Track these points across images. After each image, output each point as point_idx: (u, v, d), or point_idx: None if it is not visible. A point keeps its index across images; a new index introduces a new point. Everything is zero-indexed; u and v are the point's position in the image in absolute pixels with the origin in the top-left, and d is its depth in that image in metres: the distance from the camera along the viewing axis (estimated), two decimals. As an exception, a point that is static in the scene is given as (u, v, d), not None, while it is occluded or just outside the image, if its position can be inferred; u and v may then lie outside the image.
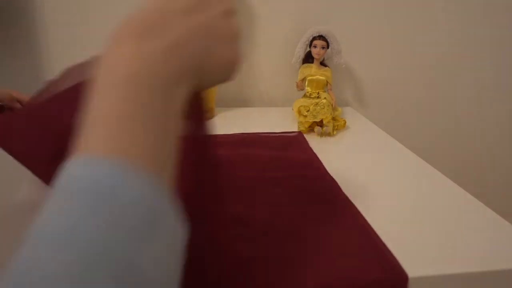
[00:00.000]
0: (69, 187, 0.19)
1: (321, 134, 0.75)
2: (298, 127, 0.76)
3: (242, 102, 0.93)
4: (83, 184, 0.19)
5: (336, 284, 0.36)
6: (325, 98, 0.75)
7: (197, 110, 0.30)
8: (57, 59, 0.83)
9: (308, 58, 0.82)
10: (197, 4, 0.26)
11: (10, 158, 0.53)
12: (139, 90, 0.22)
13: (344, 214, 0.47)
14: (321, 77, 0.79)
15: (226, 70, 0.29)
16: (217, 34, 0.27)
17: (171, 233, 0.21)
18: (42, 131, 0.40)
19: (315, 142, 0.72)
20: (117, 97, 0.21)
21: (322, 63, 0.82)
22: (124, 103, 0.21)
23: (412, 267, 0.39)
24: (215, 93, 0.84)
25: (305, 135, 0.74)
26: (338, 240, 0.42)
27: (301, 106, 0.75)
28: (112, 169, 0.19)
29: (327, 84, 0.80)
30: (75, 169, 0.20)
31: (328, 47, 0.79)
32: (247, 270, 0.38)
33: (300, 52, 0.82)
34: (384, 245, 0.41)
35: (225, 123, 0.79)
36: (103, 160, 0.19)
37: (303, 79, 0.80)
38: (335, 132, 0.76)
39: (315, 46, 0.79)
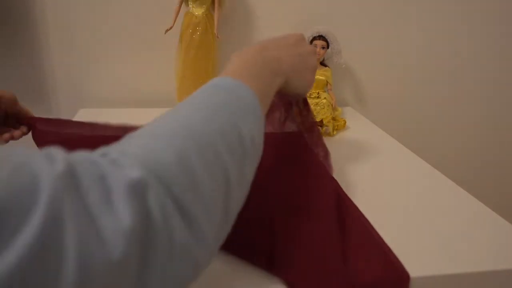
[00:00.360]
0: (212, 84, 0.35)
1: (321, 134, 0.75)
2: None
3: (242, 102, 0.93)
4: (219, 84, 0.35)
5: (338, 282, 0.36)
6: (325, 98, 0.75)
7: (307, 110, 0.52)
8: (57, 59, 0.83)
9: (308, 58, 0.82)
10: (298, 43, 0.46)
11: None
12: (258, 65, 0.39)
13: (345, 213, 0.47)
14: (321, 77, 0.79)
15: (303, 87, 0.47)
16: (304, 62, 0.45)
17: (260, 136, 0.35)
18: None
19: (315, 142, 0.72)
20: (246, 62, 0.38)
21: (322, 63, 0.82)
22: (249, 65, 0.38)
23: (412, 267, 0.39)
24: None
25: (305, 135, 0.74)
26: (339, 238, 0.42)
27: (301, 106, 0.75)
28: (239, 83, 0.35)
29: (327, 84, 0.80)
30: (218, 79, 0.36)
31: (328, 47, 0.79)
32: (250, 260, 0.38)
33: (300, 52, 0.82)
34: (385, 244, 0.41)
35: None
36: (235, 80, 0.35)
37: (303, 79, 0.80)
38: (335, 132, 0.76)
39: (315, 46, 0.79)
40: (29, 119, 0.56)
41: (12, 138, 0.56)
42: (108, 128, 0.59)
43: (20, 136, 0.56)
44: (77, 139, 0.56)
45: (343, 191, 0.52)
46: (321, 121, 0.74)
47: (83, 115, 0.80)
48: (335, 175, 0.57)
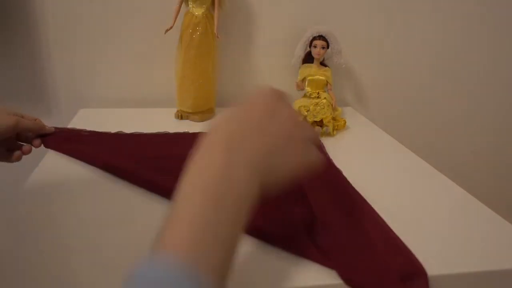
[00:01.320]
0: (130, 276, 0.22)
1: (321, 134, 0.75)
2: (298, 127, 0.76)
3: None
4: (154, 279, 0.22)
5: (356, 279, 0.36)
6: (325, 98, 0.75)
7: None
8: (57, 59, 0.83)
9: (308, 58, 0.82)
10: (269, 112, 0.32)
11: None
12: (221, 199, 0.26)
13: (359, 209, 0.47)
14: (321, 77, 0.79)
15: (296, 172, 0.32)
16: (287, 140, 0.32)
17: None
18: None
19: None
20: (201, 203, 0.25)
21: (322, 63, 0.82)
22: (206, 210, 0.25)
23: (412, 267, 0.39)
24: (215, 93, 0.84)
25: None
26: (356, 234, 0.42)
27: (301, 106, 0.75)
28: (182, 276, 0.22)
29: (327, 84, 0.80)
30: (155, 266, 0.22)
31: (328, 47, 0.79)
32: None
33: (300, 52, 0.82)
34: (402, 242, 0.41)
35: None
36: (178, 266, 0.22)
37: (303, 79, 0.80)
38: (335, 132, 0.76)
39: (315, 46, 0.79)
40: (41, 133, 0.59)
41: (23, 153, 0.57)
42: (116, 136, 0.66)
43: (30, 151, 0.57)
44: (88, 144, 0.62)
45: (354, 188, 0.53)
46: (321, 121, 0.74)
47: (83, 115, 0.80)
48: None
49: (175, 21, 0.76)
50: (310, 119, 0.74)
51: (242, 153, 0.29)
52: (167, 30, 0.75)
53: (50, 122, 0.88)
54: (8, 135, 0.53)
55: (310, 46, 0.80)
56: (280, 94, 0.34)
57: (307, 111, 0.74)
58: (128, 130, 0.69)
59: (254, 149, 0.29)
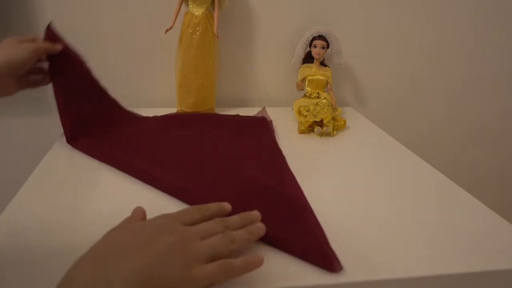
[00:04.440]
0: None
1: (321, 134, 0.75)
2: (298, 127, 0.76)
3: (242, 102, 0.94)
4: None
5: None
6: (325, 98, 0.75)
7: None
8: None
9: (308, 58, 0.82)
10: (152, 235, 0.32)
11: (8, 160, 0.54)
12: None
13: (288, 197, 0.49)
14: (321, 77, 0.79)
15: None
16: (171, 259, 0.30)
17: None
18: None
19: (315, 142, 0.72)
20: None
21: (322, 63, 0.82)
22: None
23: (411, 267, 0.39)
24: (215, 93, 0.84)
25: (305, 135, 0.74)
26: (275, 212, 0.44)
27: (301, 106, 0.75)
28: None
29: (327, 84, 0.80)
30: None
31: (328, 47, 0.79)
32: None
33: (300, 52, 0.82)
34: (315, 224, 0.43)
35: (225, 123, 0.79)
36: None
37: (303, 79, 0.80)
38: (335, 132, 0.76)
39: (315, 46, 0.79)
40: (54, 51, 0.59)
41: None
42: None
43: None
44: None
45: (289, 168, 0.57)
46: (321, 121, 0.74)
47: (83, 115, 0.80)
48: (335, 175, 0.57)
49: (175, 21, 0.76)
50: (310, 119, 0.74)
51: (116, 267, 0.28)
52: (167, 30, 0.75)
53: (50, 122, 0.88)
54: (31, 64, 0.53)
55: (310, 46, 0.80)
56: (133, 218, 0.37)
57: (307, 111, 0.74)
58: (128, 130, 0.69)
59: (130, 264, 0.29)
